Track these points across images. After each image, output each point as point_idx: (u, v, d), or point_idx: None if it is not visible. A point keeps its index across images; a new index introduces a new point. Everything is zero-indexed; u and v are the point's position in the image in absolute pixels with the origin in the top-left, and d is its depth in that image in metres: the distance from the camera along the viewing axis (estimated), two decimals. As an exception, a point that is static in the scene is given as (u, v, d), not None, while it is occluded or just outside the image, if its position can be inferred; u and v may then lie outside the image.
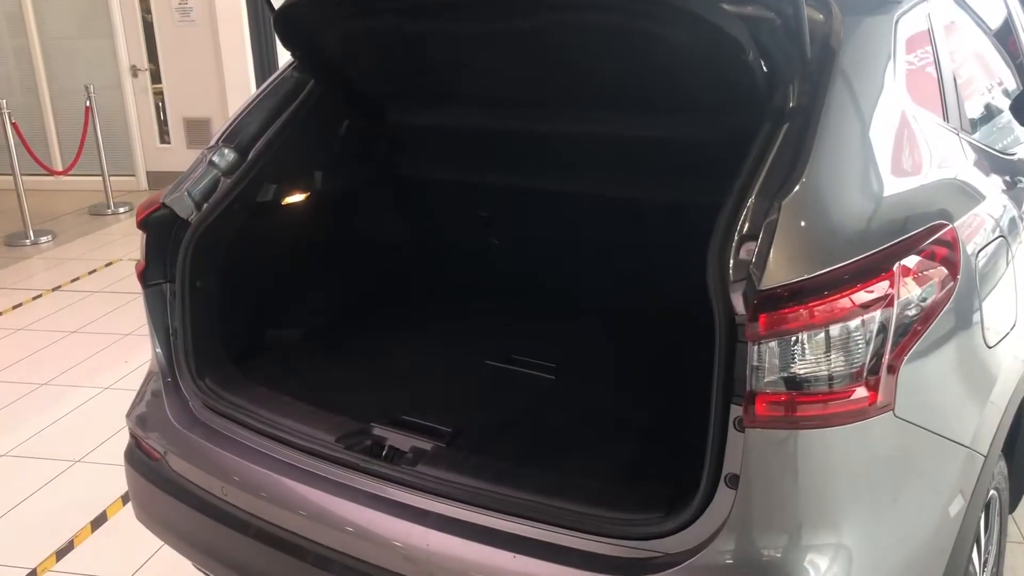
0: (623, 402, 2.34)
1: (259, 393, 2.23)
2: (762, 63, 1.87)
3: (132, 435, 2.34)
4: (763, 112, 1.78)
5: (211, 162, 2.32)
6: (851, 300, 1.49)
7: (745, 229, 1.58)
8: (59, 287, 5.93)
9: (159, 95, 8.45)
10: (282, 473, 1.98)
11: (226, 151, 2.34)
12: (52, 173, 7.93)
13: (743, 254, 1.57)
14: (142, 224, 2.27)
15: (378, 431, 2.05)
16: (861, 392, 1.51)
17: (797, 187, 1.56)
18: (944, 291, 1.67)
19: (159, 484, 2.20)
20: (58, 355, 4.79)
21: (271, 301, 2.56)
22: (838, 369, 1.50)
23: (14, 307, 5.59)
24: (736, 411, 1.53)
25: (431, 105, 2.65)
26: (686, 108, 2.23)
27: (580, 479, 1.85)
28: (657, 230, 2.61)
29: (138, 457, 2.29)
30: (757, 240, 1.54)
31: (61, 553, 3.07)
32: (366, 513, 1.85)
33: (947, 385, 1.75)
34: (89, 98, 7.64)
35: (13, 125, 6.99)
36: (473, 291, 3.01)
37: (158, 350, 2.30)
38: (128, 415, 2.37)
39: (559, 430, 2.17)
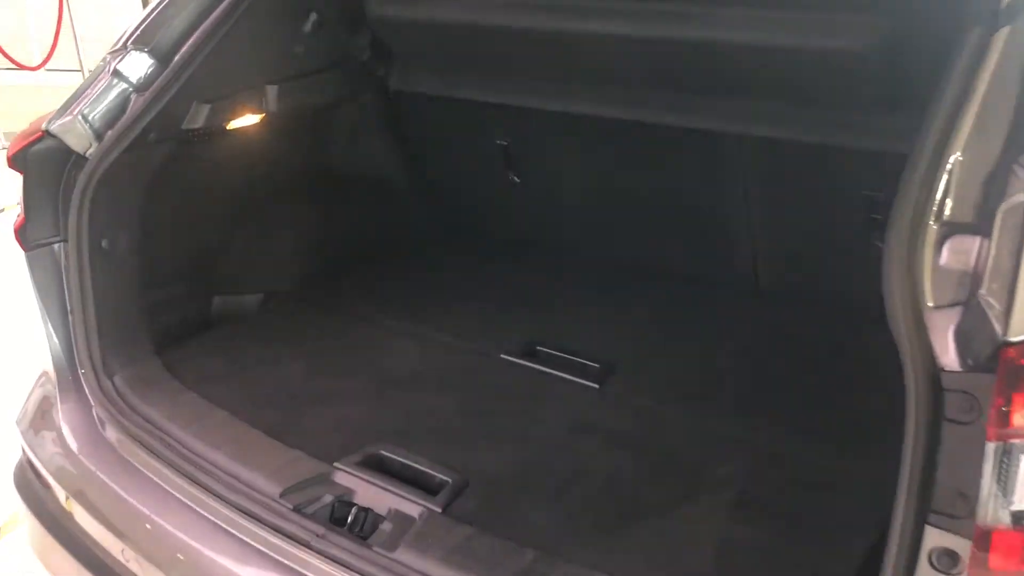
0: (705, 431, 1.69)
1: (185, 404, 1.73)
2: None
3: (23, 448, 1.86)
4: (953, 9, 1.21)
5: (116, 72, 1.82)
6: None
7: (948, 211, 1.01)
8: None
9: (146, -22, 7.77)
10: (204, 542, 1.47)
11: (138, 56, 1.83)
12: (23, 68, 7.42)
13: (948, 258, 0.99)
14: (16, 160, 1.75)
15: (344, 479, 1.50)
16: None
17: None
18: None
19: (49, 525, 1.72)
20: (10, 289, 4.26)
21: (210, 264, 2.12)
22: None
23: (-34, 226, 5.07)
24: (936, 538, 0.97)
25: None
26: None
27: None
28: (750, 174, 1.97)
29: (28, 480, 1.82)
30: (981, 234, 0.97)
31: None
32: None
33: None
34: (61, -19, 6.98)
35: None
36: (486, 248, 2.49)
37: (54, 339, 1.85)
38: (19, 421, 1.87)
39: (607, 482, 1.56)
